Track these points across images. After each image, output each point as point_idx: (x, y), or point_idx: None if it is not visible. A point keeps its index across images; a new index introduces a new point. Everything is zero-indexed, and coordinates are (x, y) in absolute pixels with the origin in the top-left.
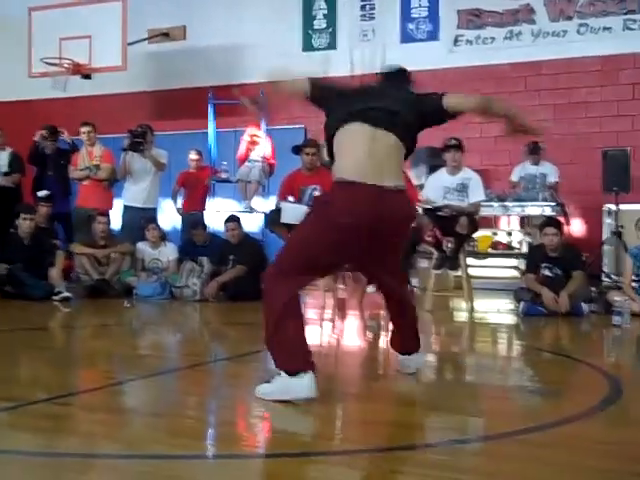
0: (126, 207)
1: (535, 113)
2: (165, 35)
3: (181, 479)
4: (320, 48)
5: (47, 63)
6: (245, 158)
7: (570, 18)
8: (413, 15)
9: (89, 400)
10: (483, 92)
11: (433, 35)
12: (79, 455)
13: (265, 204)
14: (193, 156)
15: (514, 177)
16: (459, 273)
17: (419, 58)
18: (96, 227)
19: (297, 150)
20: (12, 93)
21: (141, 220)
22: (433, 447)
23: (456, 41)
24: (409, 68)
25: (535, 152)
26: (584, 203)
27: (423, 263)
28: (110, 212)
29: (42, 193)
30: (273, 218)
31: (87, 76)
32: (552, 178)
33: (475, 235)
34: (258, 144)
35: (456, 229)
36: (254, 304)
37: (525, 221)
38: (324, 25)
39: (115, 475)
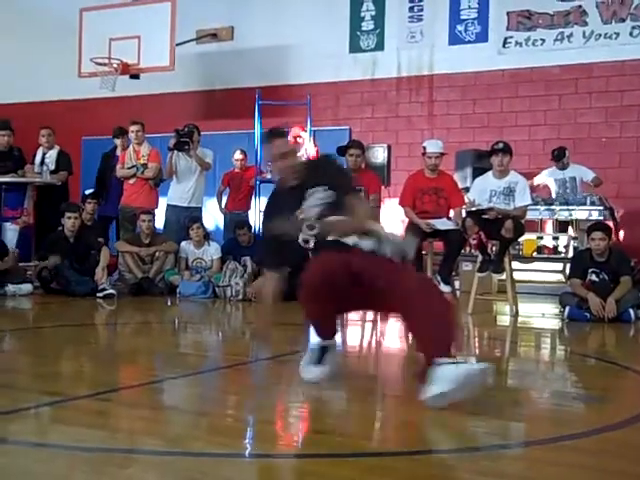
0: (170, 206)
1: (585, 116)
2: (213, 36)
3: (219, 477)
4: (367, 50)
5: (96, 63)
6: None
7: (623, 20)
8: (462, 17)
9: (131, 396)
10: (532, 95)
11: (482, 37)
12: (120, 450)
13: None
14: (238, 156)
15: (538, 180)
16: (503, 277)
17: (467, 60)
18: (141, 225)
19: (342, 151)
20: (61, 93)
21: (185, 219)
22: (474, 451)
23: (505, 43)
24: (457, 70)
25: (559, 159)
26: (634, 207)
27: (467, 266)
28: (155, 211)
29: (89, 191)
30: None
31: (135, 76)
32: (588, 176)
33: (520, 239)
34: (302, 145)
35: (501, 232)
36: (296, 304)
37: (572, 225)
38: (372, 26)
39: (155, 471)
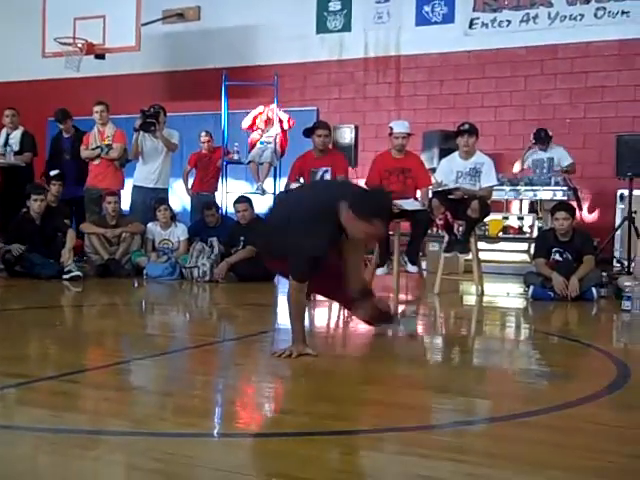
0: (136, 187)
1: (550, 97)
2: (179, 16)
3: (187, 457)
4: (334, 30)
5: (61, 43)
6: (250, 128)
7: (588, 2)
8: None
9: (97, 378)
10: (498, 76)
11: (449, 18)
12: (86, 432)
13: (276, 185)
14: (204, 138)
15: (524, 163)
16: (469, 257)
17: (434, 41)
18: (106, 207)
19: (308, 132)
20: (25, 73)
21: (151, 200)
22: (437, 428)
23: (471, 24)
24: (424, 51)
25: (541, 141)
26: (597, 188)
27: (433, 246)
28: (121, 192)
29: (54, 172)
30: None
31: (101, 56)
32: (564, 162)
33: (486, 219)
34: (271, 125)
35: (467, 213)
36: (263, 285)
37: (536, 205)
38: (339, 7)
39: (121, 452)
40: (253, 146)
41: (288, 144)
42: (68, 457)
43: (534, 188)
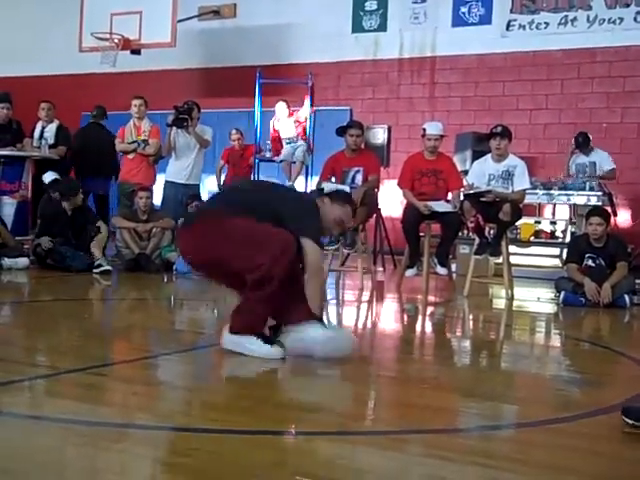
0: (168, 182)
1: (587, 101)
2: (215, 13)
3: (212, 453)
4: (370, 30)
5: (97, 38)
6: (275, 138)
7: (627, 5)
8: None
9: (124, 372)
10: (534, 79)
11: (486, 19)
12: (113, 425)
13: (307, 184)
14: (234, 135)
15: (569, 169)
16: (500, 260)
17: (470, 42)
18: (138, 202)
19: (341, 131)
20: (62, 67)
21: (183, 196)
22: (463, 432)
23: (509, 26)
24: (459, 52)
25: (580, 146)
26: (633, 194)
27: (464, 248)
28: (153, 187)
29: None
30: None
31: (136, 51)
32: (605, 166)
33: (518, 223)
34: (302, 123)
35: (499, 216)
36: None
37: (570, 210)
38: (375, 7)
39: (147, 446)
40: (275, 141)
41: (318, 142)
42: (95, 449)
43: (568, 193)
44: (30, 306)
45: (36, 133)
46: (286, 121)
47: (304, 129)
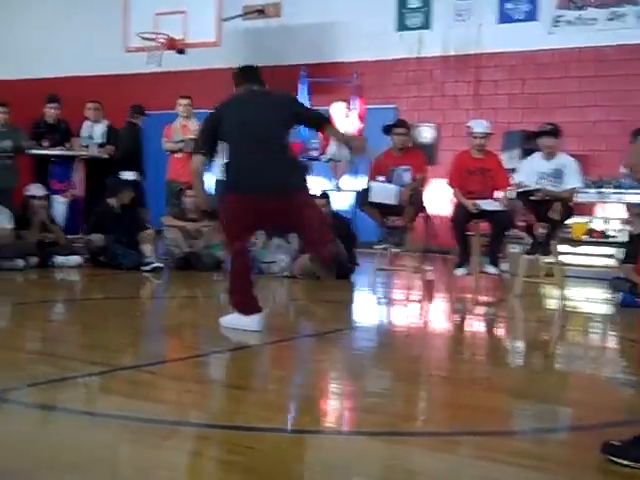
0: (219, 181)
1: (637, 97)
2: (260, 12)
3: (263, 451)
4: (414, 28)
5: (143, 38)
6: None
7: None
8: None
9: (176, 369)
10: (582, 75)
11: (532, 15)
12: (164, 421)
13: (355, 183)
14: None
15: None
16: (551, 259)
17: (516, 39)
18: (186, 201)
19: (388, 130)
20: (109, 67)
21: None
22: (517, 434)
23: (556, 22)
24: (505, 49)
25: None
26: None
27: (514, 248)
28: None
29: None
30: (363, 197)
31: (181, 51)
32: None
33: (569, 221)
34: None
35: (549, 214)
36: (341, 282)
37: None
38: (419, 4)
39: (197, 443)
40: (327, 140)
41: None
42: (146, 446)
43: (621, 191)
44: (82, 304)
45: (84, 133)
46: (343, 121)
47: (360, 129)
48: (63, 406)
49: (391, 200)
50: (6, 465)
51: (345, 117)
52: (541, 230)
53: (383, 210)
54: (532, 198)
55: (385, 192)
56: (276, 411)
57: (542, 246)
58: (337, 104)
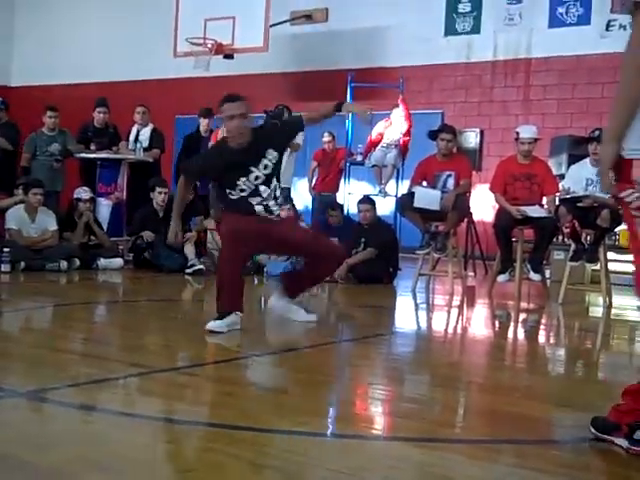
0: None
1: None
2: (307, 17)
3: (302, 456)
4: (463, 32)
5: (191, 43)
6: (373, 143)
7: None
8: None
9: (216, 372)
10: None
11: (584, 19)
12: (202, 424)
13: (398, 188)
14: (326, 138)
15: None
16: (597, 267)
17: (568, 43)
18: None
19: (433, 135)
20: (156, 72)
21: None
22: (558, 443)
23: (608, 26)
24: (556, 53)
25: None
26: None
27: (558, 254)
28: None
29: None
30: (406, 203)
31: (229, 56)
32: None
33: (617, 229)
34: (392, 125)
35: (597, 222)
36: (382, 287)
37: None
38: (469, 9)
39: (236, 447)
40: (372, 145)
41: (410, 146)
42: (186, 448)
43: None
44: (124, 306)
45: (131, 136)
46: (396, 127)
47: (409, 133)
48: (103, 407)
49: (434, 206)
50: (47, 465)
51: (391, 124)
52: (587, 237)
53: (426, 215)
54: (580, 205)
55: (428, 197)
56: (314, 415)
57: (588, 253)
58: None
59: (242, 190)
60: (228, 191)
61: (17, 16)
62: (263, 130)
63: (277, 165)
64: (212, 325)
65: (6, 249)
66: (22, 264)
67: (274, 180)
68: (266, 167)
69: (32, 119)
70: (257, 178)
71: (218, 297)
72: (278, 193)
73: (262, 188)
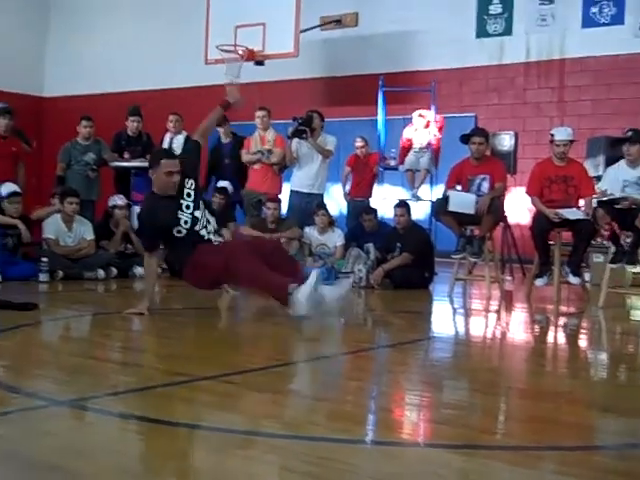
0: (293, 192)
1: None
2: (337, 22)
3: (340, 463)
4: (495, 34)
5: (222, 50)
6: (405, 148)
7: None
8: None
9: (255, 379)
10: None
11: (618, 19)
12: (241, 432)
13: (432, 193)
14: (359, 143)
15: None
16: (638, 269)
17: (601, 44)
18: (267, 212)
19: (465, 139)
20: (188, 79)
21: (307, 205)
22: (601, 449)
23: None
24: (590, 54)
25: None
26: None
27: (597, 257)
28: (279, 196)
29: (222, 183)
30: (440, 207)
31: (260, 62)
32: None
33: None
34: (428, 127)
35: (635, 223)
36: (418, 292)
37: None
38: (500, 10)
39: (275, 454)
40: (405, 149)
41: (442, 150)
42: (225, 456)
43: None
44: (162, 314)
45: (165, 144)
46: (422, 131)
47: (438, 140)
48: (142, 415)
49: (469, 209)
50: (90, 473)
51: (425, 127)
52: (627, 239)
53: (461, 219)
54: (618, 206)
55: (463, 201)
56: (352, 422)
57: (628, 255)
58: (421, 112)
59: (185, 222)
60: (176, 230)
61: (51, 27)
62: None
63: (196, 189)
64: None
65: (44, 259)
66: (60, 273)
67: (200, 203)
68: (189, 195)
69: (66, 129)
70: (188, 207)
71: (265, 293)
72: (207, 214)
73: (197, 213)
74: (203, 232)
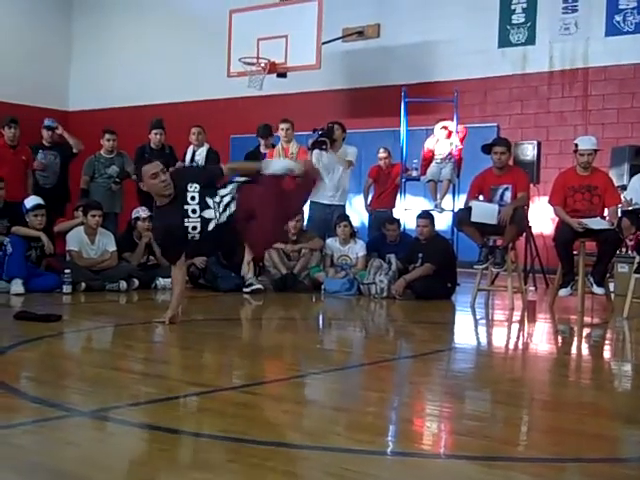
0: (314, 203)
1: None
2: (359, 33)
3: (361, 474)
4: (518, 44)
5: (245, 63)
6: (427, 159)
7: None
8: (620, 6)
9: (274, 390)
10: None
11: None
12: (262, 442)
13: (455, 203)
14: (382, 154)
15: None
16: None
17: (625, 52)
18: (289, 224)
19: (487, 149)
20: (211, 92)
21: (328, 216)
22: (626, 461)
23: None
24: (614, 62)
25: None
26: None
27: (622, 267)
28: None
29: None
30: (462, 217)
31: (282, 75)
32: None
33: None
34: (449, 137)
35: None
36: (440, 303)
37: None
38: (523, 19)
39: (296, 465)
40: (427, 160)
41: (465, 160)
42: (245, 466)
43: None
44: (183, 325)
45: (187, 157)
46: (444, 142)
47: (460, 151)
48: (163, 425)
49: (492, 220)
50: None
51: (447, 137)
52: None
53: (483, 229)
54: None
55: (486, 211)
56: (374, 433)
57: None
58: (443, 124)
59: (194, 228)
60: (190, 237)
61: (74, 41)
62: (178, 173)
63: (202, 190)
64: None
65: (67, 270)
66: (83, 285)
67: (208, 199)
68: (193, 198)
69: (90, 142)
70: (194, 211)
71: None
72: (219, 199)
73: (206, 213)
74: (223, 217)
